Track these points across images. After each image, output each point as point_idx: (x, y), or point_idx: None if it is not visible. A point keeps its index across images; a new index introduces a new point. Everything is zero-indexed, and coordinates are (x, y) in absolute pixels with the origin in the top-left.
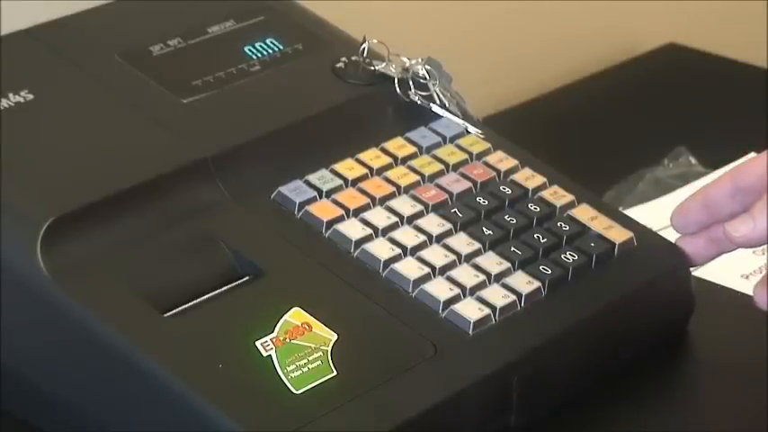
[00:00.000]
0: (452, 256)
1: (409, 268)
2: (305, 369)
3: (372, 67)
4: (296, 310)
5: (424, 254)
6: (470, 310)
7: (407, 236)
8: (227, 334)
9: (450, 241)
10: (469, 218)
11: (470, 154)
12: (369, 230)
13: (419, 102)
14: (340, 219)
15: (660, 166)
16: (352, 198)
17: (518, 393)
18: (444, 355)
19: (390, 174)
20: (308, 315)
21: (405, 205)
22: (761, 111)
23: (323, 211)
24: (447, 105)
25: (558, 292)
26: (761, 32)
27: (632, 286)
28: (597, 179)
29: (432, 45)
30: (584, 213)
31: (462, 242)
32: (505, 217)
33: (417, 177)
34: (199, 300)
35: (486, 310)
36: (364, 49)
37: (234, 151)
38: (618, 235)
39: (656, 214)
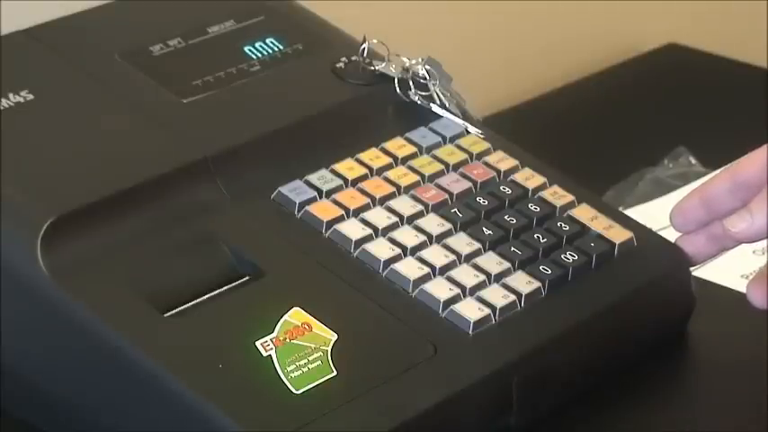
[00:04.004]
0: (452, 256)
1: (409, 268)
2: (305, 369)
3: (372, 67)
4: (296, 310)
5: (424, 254)
6: (470, 310)
7: (407, 236)
8: (227, 334)
9: (450, 241)
10: (469, 218)
11: (470, 154)
12: (369, 230)
13: (419, 102)
14: (340, 219)
15: (660, 166)
16: (352, 198)
17: (518, 393)
18: (444, 355)
19: (390, 174)
20: (308, 315)
21: (405, 205)
22: (761, 111)
23: (323, 211)
24: (447, 105)
25: (558, 292)
26: (761, 32)
27: (632, 286)
28: (597, 179)
29: (432, 45)
30: (584, 213)
31: (462, 242)
32: (505, 217)
33: (417, 177)
34: (199, 300)
35: (486, 310)
36: (364, 49)
37: (234, 151)
38: (618, 235)
39: (656, 214)
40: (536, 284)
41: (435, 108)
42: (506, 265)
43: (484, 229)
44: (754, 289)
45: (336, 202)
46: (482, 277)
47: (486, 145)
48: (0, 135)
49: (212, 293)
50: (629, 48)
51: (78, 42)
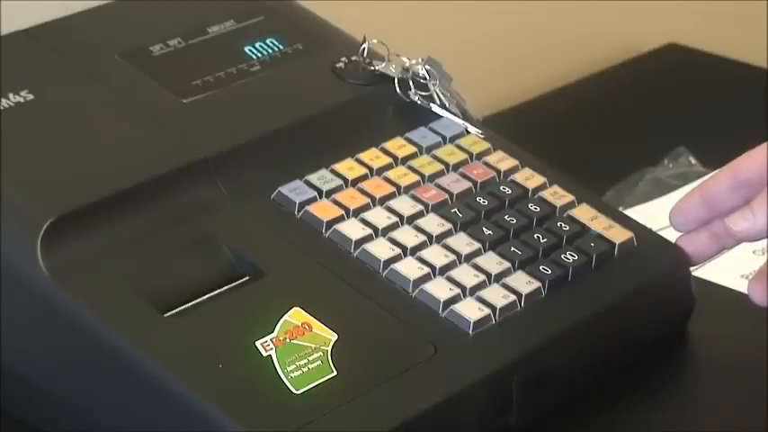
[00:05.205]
0: (452, 256)
1: (409, 268)
2: (305, 369)
3: (372, 67)
4: (296, 310)
5: (424, 254)
6: (470, 310)
7: (407, 236)
8: (227, 334)
9: (450, 241)
10: (469, 218)
11: (470, 154)
12: (369, 230)
13: (419, 102)
14: (340, 219)
15: (660, 166)
16: (352, 198)
17: (518, 393)
18: (444, 355)
19: (390, 174)
20: (308, 315)
21: (405, 205)
22: (761, 111)
23: (323, 211)
24: (447, 105)
25: (558, 292)
26: (761, 32)
27: (632, 286)
28: (597, 179)
29: (432, 45)
30: (584, 213)
31: (462, 242)
32: (505, 217)
33: (417, 177)
34: (199, 300)
35: (486, 310)
36: (364, 49)
37: (234, 151)
38: (618, 235)
39: (656, 214)
40: (536, 284)
41: (435, 108)
42: (506, 265)
43: (484, 229)
44: (756, 287)
45: (336, 202)
46: (482, 277)
47: (486, 145)
48: (0, 135)
49: (212, 293)
50: (629, 48)
51: (78, 42)
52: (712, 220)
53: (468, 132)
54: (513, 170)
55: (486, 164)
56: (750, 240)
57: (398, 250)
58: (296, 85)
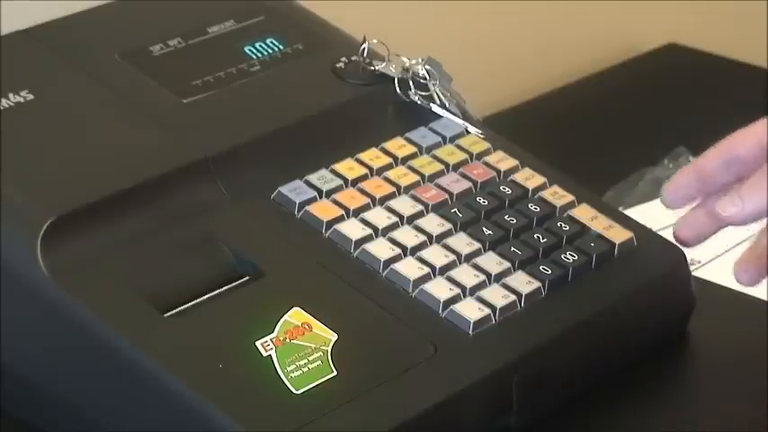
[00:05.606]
0: (452, 256)
1: (409, 268)
2: (305, 369)
3: (372, 67)
4: (296, 310)
5: (424, 254)
6: (470, 310)
7: (407, 236)
8: (227, 334)
9: (450, 241)
10: (469, 218)
11: (470, 154)
12: (369, 230)
13: (419, 102)
14: (340, 219)
15: (660, 166)
16: (352, 198)
17: (518, 393)
18: (444, 355)
19: (390, 174)
20: (308, 315)
21: (405, 205)
22: (761, 111)
23: (323, 211)
24: (447, 105)
25: (558, 292)
26: (761, 32)
27: (632, 286)
28: (597, 179)
29: (432, 45)
30: (584, 213)
31: (462, 242)
32: (505, 217)
33: (417, 177)
34: (199, 300)
35: (486, 310)
36: (364, 49)
37: (234, 151)
38: (618, 235)
39: (656, 214)
40: (536, 284)
41: (435, 108)
42: (506, 265)
43: (484, 229)
44: (740, 269)
45: (336, 202)
46: (482, 277)
47: (486, 145)
48: (0, 135)
49: (212, 293)
50: (629, 48)
51: (78, 42)
52: (707, 198)
53: (468, 132)
54: (513, 170)
55: (486, 164)
56: (740, 225)
57: (398, 250)
58: (296, 85)
